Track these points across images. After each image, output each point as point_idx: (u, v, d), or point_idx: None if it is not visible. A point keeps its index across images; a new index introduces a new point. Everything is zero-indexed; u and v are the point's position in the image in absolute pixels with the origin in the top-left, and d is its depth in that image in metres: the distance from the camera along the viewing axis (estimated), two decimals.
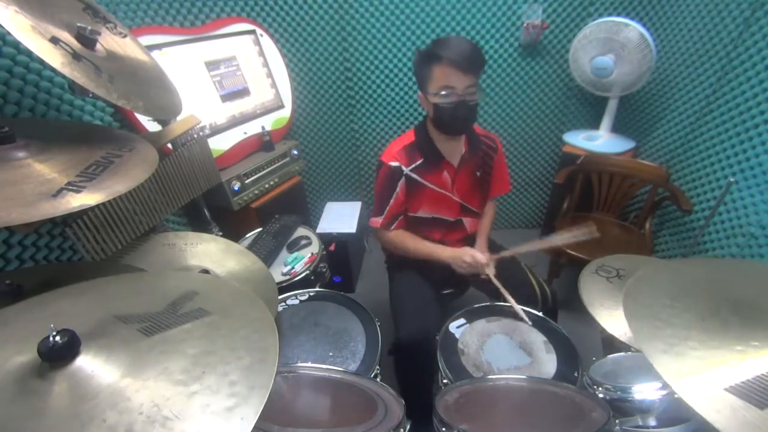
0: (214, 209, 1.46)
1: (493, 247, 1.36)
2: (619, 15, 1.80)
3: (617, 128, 2.06)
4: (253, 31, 1.77)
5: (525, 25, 1.90)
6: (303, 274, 1.36)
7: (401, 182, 1.22)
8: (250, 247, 1.41)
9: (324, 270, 1.46)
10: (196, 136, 1.18)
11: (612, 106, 1.96)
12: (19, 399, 0.41)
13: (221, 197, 1.57)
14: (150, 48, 1.33)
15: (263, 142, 1.76)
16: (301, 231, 1.59)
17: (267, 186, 1.75)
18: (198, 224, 1.50)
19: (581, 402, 0.78)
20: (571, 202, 1.94)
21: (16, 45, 0.95)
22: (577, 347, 1.04)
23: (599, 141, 1.99)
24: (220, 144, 1.59)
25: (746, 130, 1.42)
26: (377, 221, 1.27)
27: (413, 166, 1.22)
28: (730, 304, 0.58)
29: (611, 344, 0.99)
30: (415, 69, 1.16)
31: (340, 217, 2.09)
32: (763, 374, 0.47)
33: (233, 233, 1.41)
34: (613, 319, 0.95)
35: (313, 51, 1.99)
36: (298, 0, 1.85)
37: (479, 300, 1.23)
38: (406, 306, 1.26)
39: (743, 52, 1.45)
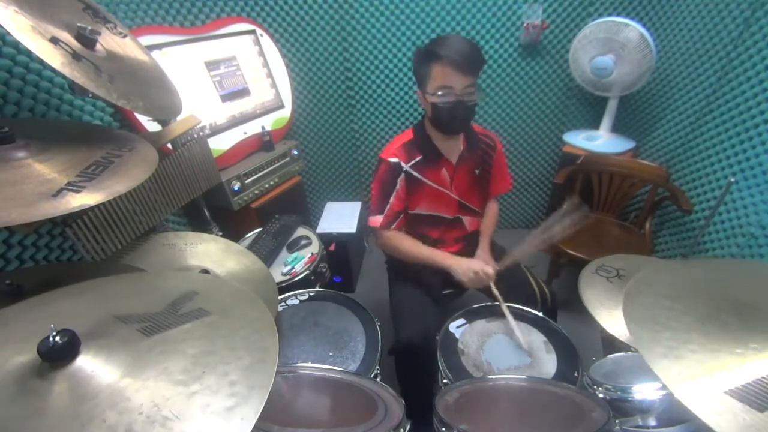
0: (214, 209, 1.46)
1: (492, 248, 1.36)
2: (619, 15, 1.80)
3: (617, 128, 2.06)
4: (253, 31, 1.77)
5: (525, 25, 1.89)
6: (303, 274, 1.36)
7: (401, 179, 1.22)
8: (250, 247, 1.41)
9: (324, 270, 1.46)
10: (196, 136, 1.18)
11: (612, 106, 1.96)
12: (19, 399, 0.41)
13: (221, 197, 1.57)
14: (150, 48, 1.33)
15: (263, 142, 1.76)
16: (301, 231, 1.59)
17: (267, 186, 1.75)
18: (198, 224, 1.50)
19: (581, 402, 0.78)
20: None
21: (16, 45, 0.95)
22: (577, 347, 1.04)
23: (599, 141, 1.99)
24: (220, 144, 1.59)
25: (746, 130, 1.42)
26: (377, 220, 1.25)
27: (412, 162, 1.22)
28: (730, 305, 0.58)
29: (611, 344, 0.99)
30: (414, 67, 1.16)
31: (340, 217, 2.09)
32: (762, 377, 0.47)
33: (233, 233, 1.41)
34: (613, 319, 0.96)
35: (313, 51, 1.99)
36: (298, 0, 1.85)
37: (479, 300, 1.23)
38: (405, 307, 1.26)
39: (743, 52, 1.45)
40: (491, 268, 1.17)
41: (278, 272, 1.37)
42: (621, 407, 0.78)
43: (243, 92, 1.73)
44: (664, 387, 0.73)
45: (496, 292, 1.16)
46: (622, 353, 0.97)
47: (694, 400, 0.46)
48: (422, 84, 1.14)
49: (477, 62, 1.08)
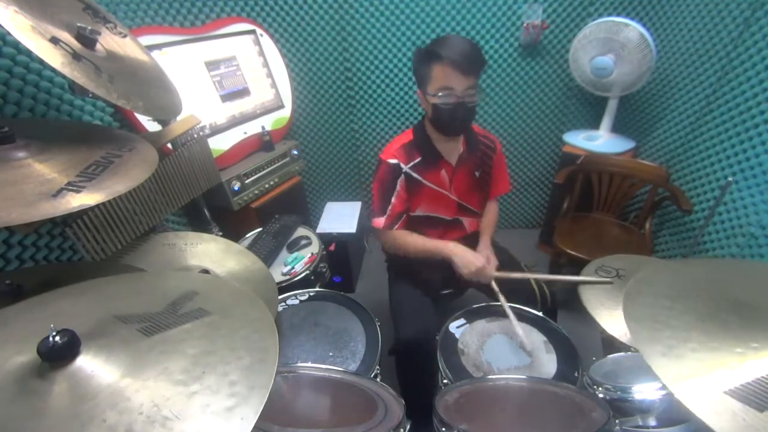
0: (214, 209, 1.46)
1: (493, 246, 1.36)
2: (619, 15, 1.80)
3: (617, 128, 2.06)
4: (253, 31, 1.77)
5: (525, 25, 1.89)
6: (303, 274, 1.36)
7: (401, 180, 1.22)
8: (250, 247, 1.41)
9: (324, 270, 1.46)
10: (196, 136, 1.18)
11: (612, 106, 1.96)
12: (19, 399, 0.41)
13: (221, 197, 1.57)
14: (150, 48, 1.33)
15: (263, 142, 1.76)
16: (301, 231, 1.59)
17: (267, 186, 1.75)
18: (198, 224, 1.50)
19: (581, 402, 0.78)
20: (571, 202, 1.94)
21: (16, 45, 0.95)
22: (577, 347, 1.04)
23: (599, 141, 1.99)
24: (220, 144, 1.59)
25: (746, 130, 1.42)
26: (380, 221, 1.25)
27: (412, 163, 1.22)
28: (730, 304, 0.58)
29: (611, 344, 0.99)
30: (414, 68, 1.16)
31: (340, 217, 2.09)
32: (762, 377, 0.47)
33: (233, 233, 1.41)
34: (613, 319, 0.95)
35: (313, 51, 1.99)
36: (298, 0, 1.85)
37: (479, 300, 1.23)
38: (405, 307, 1.26)
39: (743, 52, 1.45)
40: (493, 268, 1.17)
41: (278, 272, 1.37)
42: (621, 407, 0.78)
43: (243, 92, 1.73)
44: (664, 387, 0.73)
45: (497, 289, 1.16)
46: (622, 353, 0.97)
47: (694, 400, 0.46)
48: (423, 85, 1.14)
49: (478, 63, 1.08)
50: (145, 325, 0.52)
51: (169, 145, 1.15)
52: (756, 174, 1.37)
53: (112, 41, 0.83)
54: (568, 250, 1.68)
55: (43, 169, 0.60)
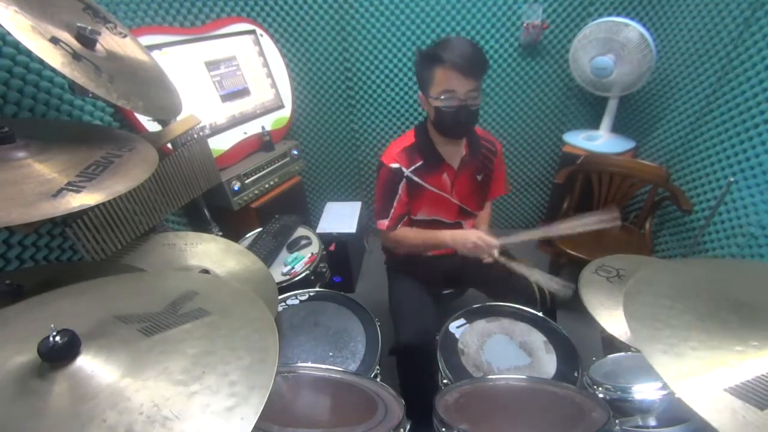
0: (214, 209, 1.46)
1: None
2: (619, 15, 1.80)
3: (617, 128, 2.06)
4: (253, 31, 1.77)
5: (525, 25, 1.89)
6: (303, 274, 1.36)
7: (402, 184, 1.22)
8: (250, 247, 1.41)
9: (324, 270, 1.46)
10: (196, 136, 1.18)
11: (612, 106, 1.96)
12: (19, 399, 0.41)
13: (221, 197, 1.57)
14: (150, 48, 1.33)
15: (263, 142, 1.76)
16: (301, 231, 1.59)
17: (267, 186, 1.75)
18: (198, 224, 1.50)
19: (581, 402, 0.78)
20: (571, 202, 1.94)
21: (16, 45, 0.95)
22: (577, 347, 1.04)
23: (599, 141, 1.99)
24: (220, 144, 1.59)
25: (746, 130, 1.42)
26: (384, 223, 1.26)
27: (413, 167, 1.22)
28: (730, 304, 0.58)
29: (611, 344, 0.99)
30: (416, 70, 1.16)
31: (340, 217, 2.09)
32: (763, 375, 0.47)
33: (233, 233, 1.41)
34: (613, 319, 0.95)
35: (313, 51, 1.99)
36: (298, 0, 1.85)
37: (479, 300, 1.23)
38: (405, 307, 1.26)
39: (743, 52, 1.45)
40: (492, 238, 1.13)
41: (278, 272, 1.37)
42: (621, 407, 0.78)
43: (243, 92, 1.73)
44: (664, 387, 0.74)
45: (503, 260, 1.14)
46: (622, 353, 0.97)
47: (694, 398, 0.46)
48: (425, 87, 1.13)
49: (481, 66, 1.07)
50: (145, 325, 0.52)
51: (169, 145, 1.15)
52: (756, 174, 1.37)
53: (112, 41, 0.83)
54: (568, 250, 1.68)
55: (43, 169, 0.60)
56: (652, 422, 0.74)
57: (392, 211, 1.24)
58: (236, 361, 0.48)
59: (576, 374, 0.97)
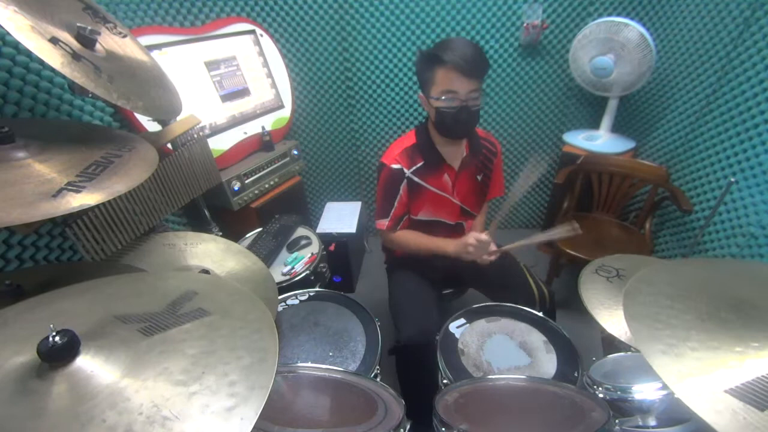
0: (214, 209, 1.46)
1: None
2: (619, 15, 1.80)
3: (617, 128, 2.06)
4: (253, 31, 1.77)
5: (525, 25, 1.89)
6: (303, 274, 1.36)
7: (403, 185, 1.22)
8: (250, 247, 1.41)
9: (324, 270, 1.46)
10: (196, 136, 1.18)
11: (612, 106, 1.96)
12: (19, 399, 0.41)
13: (221, 197, 1.57)
14: (150, 48, 1.33)
15: (263, 142, 1.76)
16: (301, 231, 1.59)
17: (267, 186, 1.75)
18: (198, 224, 1.50)
19: (581, 402, 0.78)
20: (571, 202, 1.94)
21: (16, 45, 0.95)
22: (577, 347, 1.04)
23: (599, 141, 1.99)
24: (220, 144, 1.59)
25: (746, 130, 1.42)
26: (384, 224, 1.27)
27: (414, 168, 1.22)
28: (730, 304, 0.58)
29: (611, 344, 0.99)
30: (416, 70, 1.16)
31: (340, 217, 2.09)
32: (763, 376, 0.47)
33: (233, 233, 1.41)
34: (613, 319, 0.95)
35: (313, 51, 1.99)
36: (298, 0, 1.85)
37: (479, 300, 1.23)
38: (405, 307, 1.26)
39: (743, 52, 1.45)
40: (483, 234, 1.15)
41: (278, 272, 1.37)
42: (621, 407, 0.78)
43: (243, 92, 1.73)
44: (664, 387, 0.74)
45: (507, 246, 1.16)
46: (622, 353, 0.97)
47: (694, 398, 0.46)
48: (425, 88, 1.13)
49: (482, 66, 1.07)
50: (145, 325, 0.52)
51: (169, 145, 1.15)
52: (756, 174, 1.37)
53: (111, 41, 0.83)
54: (568, 250, 1.68)
55: (43, 169, 0.60)
56: (652, 422, 0.74)
57: (392, 212, 1.25)
58: (236, 361, 0.48)
59: (576, 374, 0.97)
